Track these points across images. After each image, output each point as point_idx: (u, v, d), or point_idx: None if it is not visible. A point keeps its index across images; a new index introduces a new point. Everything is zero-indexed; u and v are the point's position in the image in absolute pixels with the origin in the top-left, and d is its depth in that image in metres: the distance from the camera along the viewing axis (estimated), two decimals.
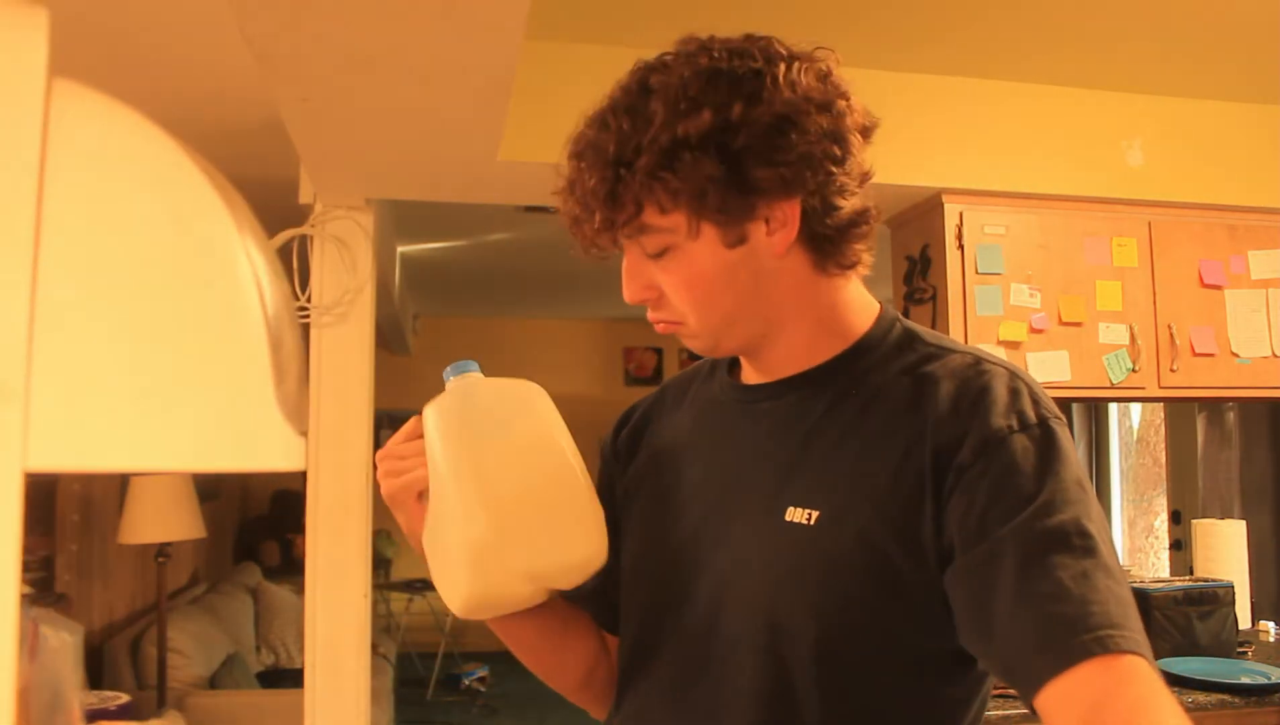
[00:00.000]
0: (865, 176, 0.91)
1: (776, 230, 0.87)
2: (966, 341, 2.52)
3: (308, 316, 2.65)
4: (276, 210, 2.71)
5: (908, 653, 0.86)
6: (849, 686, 0.85)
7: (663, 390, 1.12)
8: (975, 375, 0.86)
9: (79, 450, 0.36)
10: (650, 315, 0.93)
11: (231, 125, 2.55)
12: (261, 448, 0.42)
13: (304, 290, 2.65)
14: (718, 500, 0.95)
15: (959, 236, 2.60)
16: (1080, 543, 0.76)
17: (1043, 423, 0.83)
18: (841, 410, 0.90)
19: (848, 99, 0.90)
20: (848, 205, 0.89)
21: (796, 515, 0.87)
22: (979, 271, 2.59)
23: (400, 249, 4.57)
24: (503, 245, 4.59)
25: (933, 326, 2.60)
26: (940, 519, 0.82)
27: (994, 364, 0.88)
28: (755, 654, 0.88)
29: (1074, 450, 0.83)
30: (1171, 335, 2.67)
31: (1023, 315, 2.60)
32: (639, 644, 0.99)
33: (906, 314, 2.77)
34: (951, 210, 2.61)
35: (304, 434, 0.45)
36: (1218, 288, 2.74)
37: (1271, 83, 2.67)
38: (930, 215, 2.67)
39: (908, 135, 2.57)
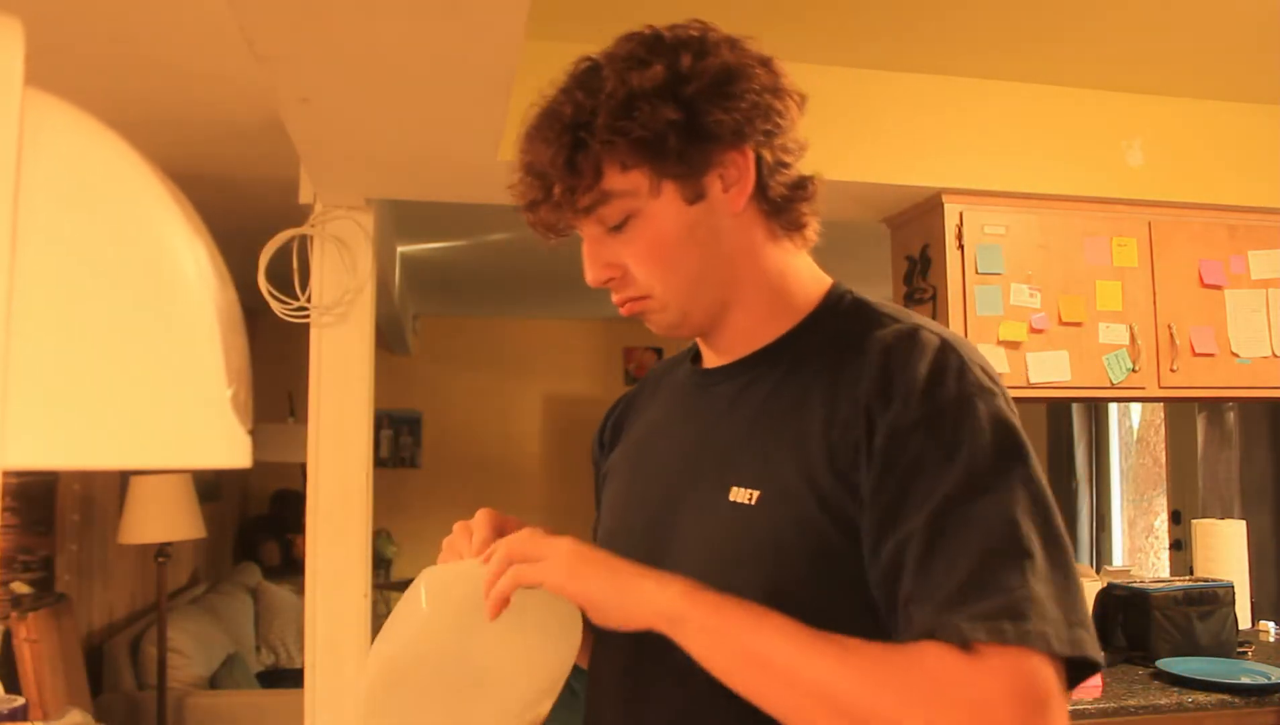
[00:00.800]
0: (802, 146, 0.94)
1: (731, 185, 0.90)
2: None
3: (308, 316, 2.65)
4: (276, 210, 2.71)
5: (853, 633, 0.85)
6: None
7: (644, 381, 1.14)
8: (908, 346, 0.85)
9: (48, 449, 0.37)
10: (615, 297, 0.94)
11: (231, 125, 2.54)
12: (213, 445, 0.43)
13: (304, 290, 2.65)
14: (674, 483, 0.95)
15: (959, 236, 2.60)
16: (1001, 537, 0.75)
17: (966, 399, 0.81)
18: (788, 388, 0.90)
19: (782, 65, 0.93)
20: (794, 164, 0.92)
21: (739, 496, 0.87)
22: (979, 271, 2.59)
23: (400, 249, 4.56)
24: (503, 245, 4.59)
25: None
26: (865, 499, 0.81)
27: (931, 334, 0.86)
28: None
29: (1002, 417, 0.81)
30: (1171, 335, 2.67)
31: (1023, 315, 2.60)
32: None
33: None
34: (951, 210, 2.61)
35: (250, 432, 0.47)
36: (1218, 288, 2.74)
37: (1271, 83, 2.67)
38: (930, 215, 2.67)
39: (908, 135, 2.57)
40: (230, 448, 0.44)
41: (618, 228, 0.90)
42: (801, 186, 0.93)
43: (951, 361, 0.83)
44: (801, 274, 0.96)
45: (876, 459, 0.80)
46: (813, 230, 0.97)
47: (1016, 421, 0.83)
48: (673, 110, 0.85)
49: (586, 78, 0.88)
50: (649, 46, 0.88)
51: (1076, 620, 0.74)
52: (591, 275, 0.93)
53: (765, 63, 0.90)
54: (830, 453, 0.83)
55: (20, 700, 2.11)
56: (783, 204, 0.92)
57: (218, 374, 0.43)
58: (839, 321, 0.93)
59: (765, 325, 0.95)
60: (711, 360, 1.00)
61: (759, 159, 0.90)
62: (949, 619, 0.72)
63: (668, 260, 0.90)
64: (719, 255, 0.91)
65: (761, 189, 0.91)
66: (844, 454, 0.82)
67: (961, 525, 0.75)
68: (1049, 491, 0.80)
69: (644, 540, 0.94)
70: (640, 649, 0.88)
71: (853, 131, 2.52)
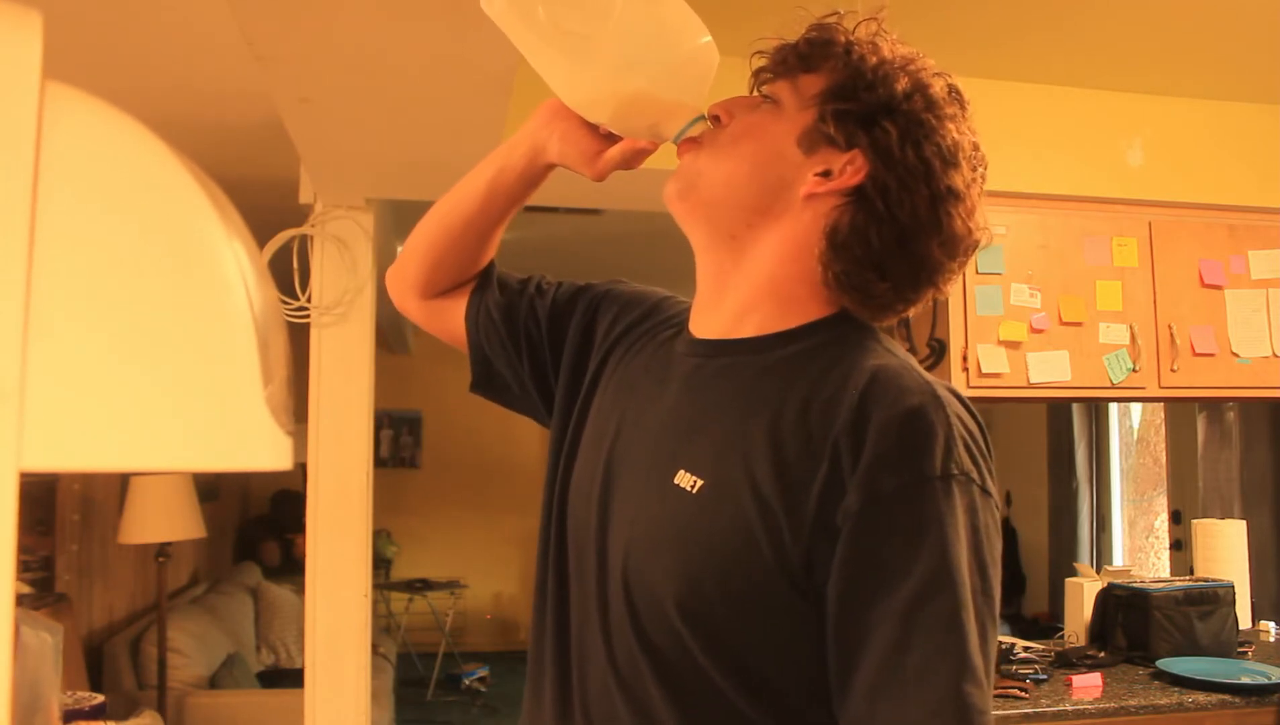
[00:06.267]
0: (905, 297, 0.94)
1: (827, 174, 0.88)
2: (966, 342, 2.54)
3: (308, 316, 2.65)
4: (276, 210, 2.71)
5: (756, 631, 0.84)
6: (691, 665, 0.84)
7: (663, 306, 1.09)
8: (896, 387, 0.82)
9: (73, 450, 0.36)
10: (691, 131, 0.95)
11: (231, 125, 2.55)
12: (250, 447, 0.42)
13: (304, 290, 2.65)
14: (632, 448, 0.94)
15: None
16: (942, 637, 0.76)
17: (945, 478, 0.78)
18: (760, 387, 0.88)
19: (976, 194, 0.99)
20: (880, 247, 0.88)
21: (683, 480, 0.85)
22: (979, 271, 2.59)
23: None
24: (503, 245, 4.58)
25: (933, 327, 2.60)
26: (812, 538, 0.80)
27: (921, 383, 0.83)
28: (616, 619, 0.87)
29: (980, 510, 0.80)
30: (1171, 335, 2.67)
31: (1023, 315, 2.59)
32: (555, 586, 0.98)
33: (906, 314, 2.76)
34: None
35: (291, 434, 0.45)
36: (1218, 287, 2.74)
37: (1271, 83, 2.67)
38: None
39: None
40: (268, 449, 0.42)
41: (765, 99, 0.93)
42: (868, 284, 0.89)
43: (938, 429, 0.79)
44: (819, 298, 0.92)
45: (846, 525, 0.78)
46: (871, 315, 0.94)
47: (991, 515, 0.81)
48: (888, 93, 0.87)
49: (885, 43, 0.91)
50: (951, 88, 0.93)
51: None
52: (719, 104, 0.95)
53: (965, 204, 0.93)
54: (783, 466, 0.81)
55: (99, 698, 2.08)
56: (839, 260, 0.88)
57: (253, 373, 0.42)
58: (834, 341, 0.90)
59: (757, 312, 0.92)
60: (700, 329, 0.96)
61: (864, 203, 0.87)
62: None
63: (736, 143, 0.92)
64: (761, 196, 0.90)
65: (837, 226, 0.88)
66: (797, 473, 0.81)
67: (924, 632, 0.76)
68: (997, 594, 0.80)
69: (598, 500, 0.94)
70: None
71: None
